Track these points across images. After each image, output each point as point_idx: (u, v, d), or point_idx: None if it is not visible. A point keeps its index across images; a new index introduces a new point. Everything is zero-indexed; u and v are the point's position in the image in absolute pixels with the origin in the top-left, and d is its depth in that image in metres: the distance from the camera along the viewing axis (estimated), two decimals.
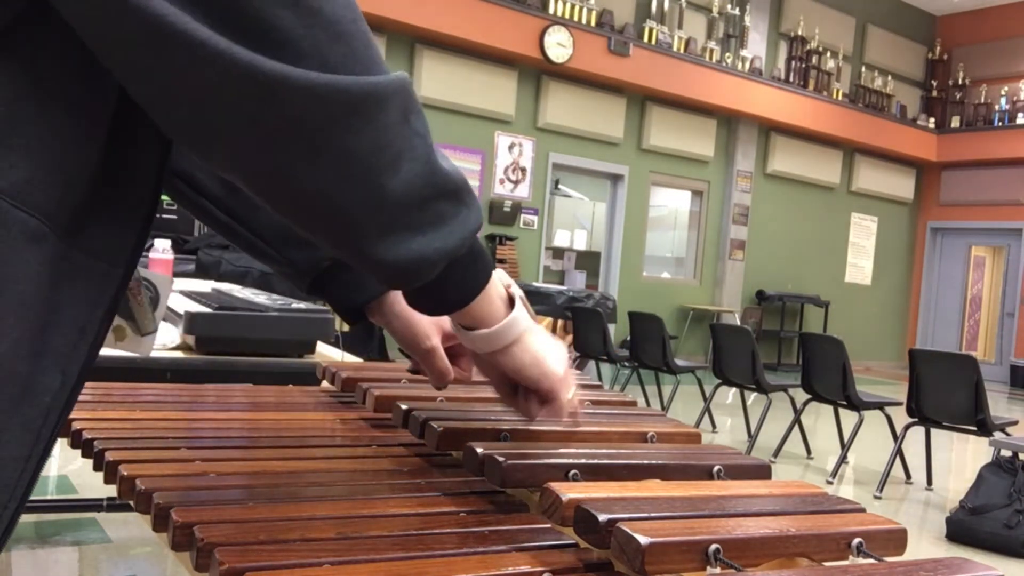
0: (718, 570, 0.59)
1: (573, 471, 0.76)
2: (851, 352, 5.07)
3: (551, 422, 0.95)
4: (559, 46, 8.62)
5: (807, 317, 11.60)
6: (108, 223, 0.55)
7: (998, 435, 4.38)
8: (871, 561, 0.65)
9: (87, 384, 1.03)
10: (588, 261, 10.72)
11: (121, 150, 0.55)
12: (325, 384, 1.18)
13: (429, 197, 0.58)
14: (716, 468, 0.83)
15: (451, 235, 0.60)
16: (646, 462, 0.81)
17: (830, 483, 4.83)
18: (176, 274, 2.40)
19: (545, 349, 0.76)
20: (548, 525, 0.69)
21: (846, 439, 5.06)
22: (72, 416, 0.90)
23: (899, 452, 4.84)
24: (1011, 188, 11.86)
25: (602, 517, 0.61)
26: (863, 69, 11.99)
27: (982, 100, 12.19)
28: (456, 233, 0.60)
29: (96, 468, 0.79)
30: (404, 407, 0.92)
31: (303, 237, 0.80)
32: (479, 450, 0.77)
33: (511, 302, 0.74)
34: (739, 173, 10.71)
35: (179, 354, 1.61)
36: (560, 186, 11.25)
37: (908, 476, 5.10)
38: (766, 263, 11.15)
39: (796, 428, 5.43)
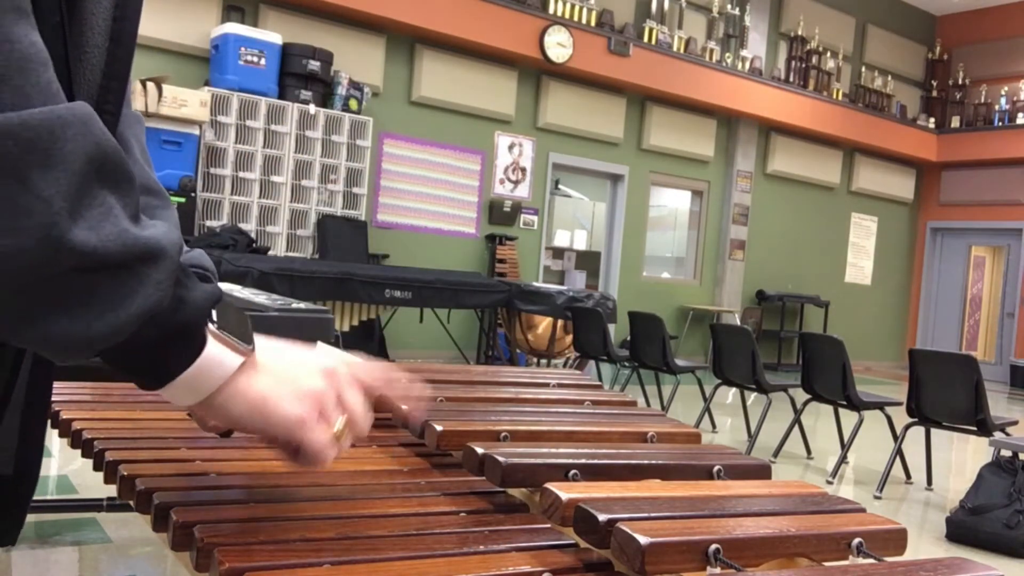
0: (718, 570, 0.59)
1: (573, 471, 0.76)
2: (851, 352, 5.07)
3: (552, 421, 0.95)
4: (559, 46, 8.61)
5: (807, 317, 11.60)
6: None
7: (998, 435, 4.38)
8: (871, 561, 0.65)
9: (87, 384, 1.03)
10: (588, 261, 10.71)
11: None
12: None
13: (57, 274, 0.48)
14: (716, 468, 0.83)
15: (105, 316, 0.50)
16: (646, 462, 0.81)
17: (830, 483, 4.83)
18: None
19: (269, 389, 0.61)
20: (548, 525, 0.69)
21: (846, 439, 5.06)
22: (72, 416, 0.90)
23: (899, 452, 4.84)
24: (1011, 188, 11.85)
25: (602, 517, 0.61)
26: (863, 69, 11.98)
27: (982, 100, 12.19)
28: (114, 311, 0.51)
29: (96, 468, 0.79)
30: (404, 407, 0.92)
31: None
32: (479, 450, 0.77)
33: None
34: (739, 173, 10.71)
35: None
36: (560, 186, 11.24)
37: (908, 476, 5.09)
38: (766, 263, 11.15)
39: (796, 428, 5.43)
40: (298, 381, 0.62)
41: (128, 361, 0.56)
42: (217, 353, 0.58)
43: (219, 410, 0.60)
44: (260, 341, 0.63)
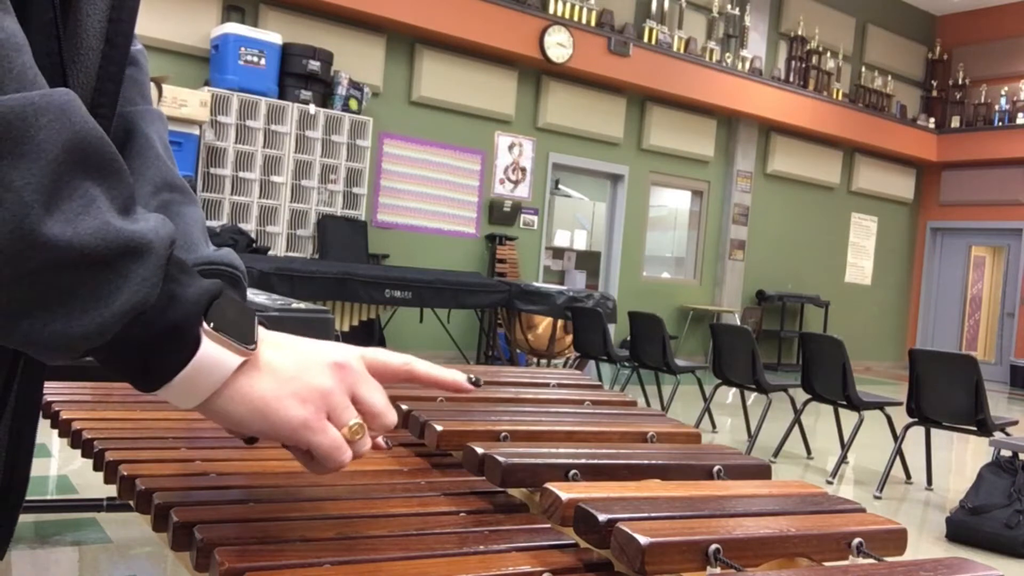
0: (718, 570, 0.59)
1: (573, 471, 0.76)
2: (851, 352, 5.07)
3: (552, 421, 0.95)
4: (559, 46, 8.62)
5: (807, 317, 11.60)
6: None
7: (998, 435, 4.38)
8: (871, 561, 0.65)
9: (87, 384, 1.03)
10: (588, 261, 10.72)
11: None
12: None
13: (32, 270, 0.46)
14: (716, 468, 0.83)
15: (87, 314, 0.48)
16: (646, 462, 0.81)
17: (830, 483, 4.83)
18: None
19: (270, 391, 0.57)
20: (548, 525, 0.69)
21: (846, 439, 5.06)
22: (72, 416, 0.90)
23: (899, 452, 4.84)
24: (1011, 188, 11.85)
25: (602, 517, 0.61)
26: (863, 69, 11.98)
27: (982, 100, 12.19)
28: (96, 309, 0.48)
29: (96, 468, 0.79)
30: (404, 407, 0.92)
31: None
32: (479, 450, 0.77)
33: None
34: (739, 173, 10.71)
35: None
36: (560, 186, 11.24)
37: (908, 476, 5.09)
38: (766, 263, 11.15)
39: (796, 428, 5.43)
40: (302, 379, 0.58)
41: (118, 363, 0.52)
42: (213, 354, 0.54)
43: (219, 414, 0.57)
44: (266, 337, 0.59)
